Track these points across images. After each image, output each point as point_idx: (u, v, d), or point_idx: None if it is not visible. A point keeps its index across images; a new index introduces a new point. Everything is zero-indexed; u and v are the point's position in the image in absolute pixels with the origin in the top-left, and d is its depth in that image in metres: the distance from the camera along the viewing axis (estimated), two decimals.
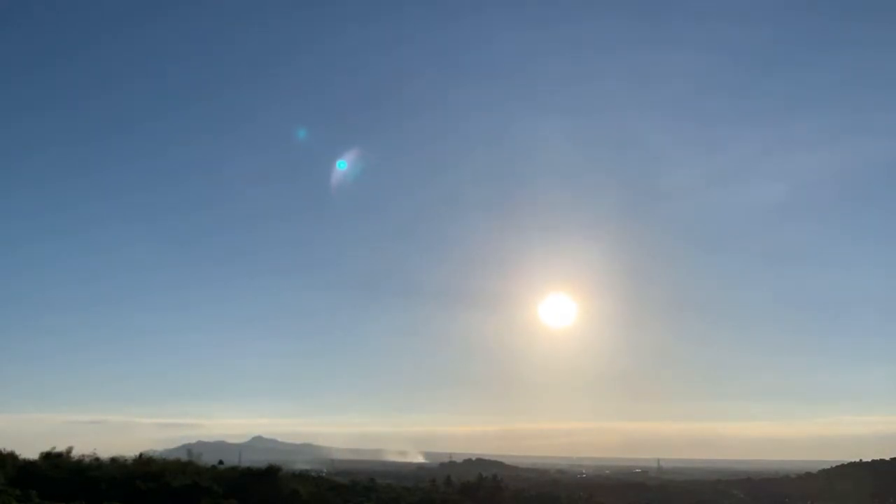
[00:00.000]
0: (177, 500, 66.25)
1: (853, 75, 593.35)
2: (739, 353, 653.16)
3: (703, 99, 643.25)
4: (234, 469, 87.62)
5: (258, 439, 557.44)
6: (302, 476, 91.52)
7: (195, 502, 65.70)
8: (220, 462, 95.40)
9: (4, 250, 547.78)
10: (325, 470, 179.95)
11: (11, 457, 70.70)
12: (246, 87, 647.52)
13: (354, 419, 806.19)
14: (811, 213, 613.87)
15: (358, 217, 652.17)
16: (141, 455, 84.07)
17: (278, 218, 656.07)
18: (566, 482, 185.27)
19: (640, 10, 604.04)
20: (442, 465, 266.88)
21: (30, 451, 74.74)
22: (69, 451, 75.34)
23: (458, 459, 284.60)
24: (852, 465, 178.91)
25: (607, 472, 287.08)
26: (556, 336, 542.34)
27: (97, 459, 75.22)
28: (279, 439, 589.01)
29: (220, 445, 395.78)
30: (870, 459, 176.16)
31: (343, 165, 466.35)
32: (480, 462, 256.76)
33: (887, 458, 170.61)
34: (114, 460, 76.60)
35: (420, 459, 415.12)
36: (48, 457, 74.11)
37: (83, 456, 75.20)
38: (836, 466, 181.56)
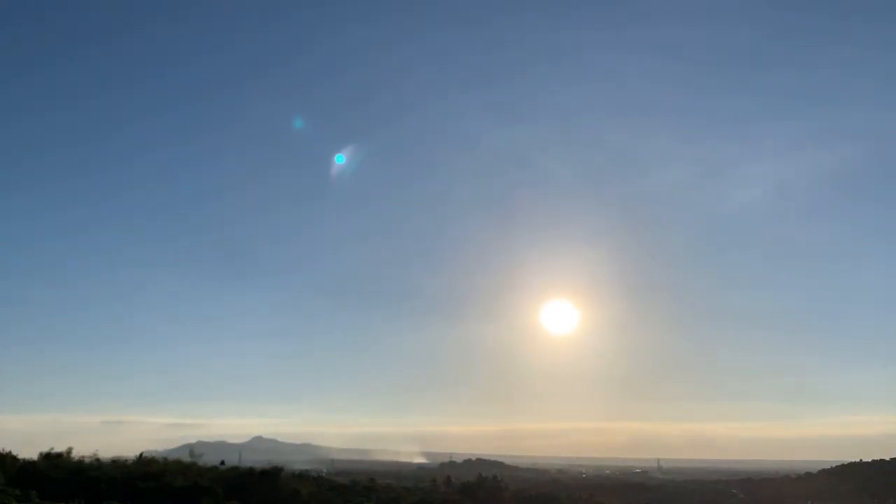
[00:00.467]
0: (177, 500, 66.22)
1: (828, 79, 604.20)
2: (739, 354, 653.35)
3: (681, 102, 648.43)
4: (234, 469, 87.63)
5: (258, 439, 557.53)
6: (302, 476, 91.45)
7: (196, 502, 65.68)
8: (221, 462, 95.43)
9: (5, 250, 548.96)
10: (325, 470, 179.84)
11: (11, 457, 70.69)
12: (244, 85, 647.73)
13: (354, 419, 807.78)
14: (801, 213, 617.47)
15: (359, 219, 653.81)
16: (141, 455, 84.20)
17: (278, 219, 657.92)
18: (566, 482, 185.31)
19: (621, 15, 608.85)
20: (442, 465, 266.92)
21: (29, 451, 74.91)
22: (69, 451, 75.48)
23: (458, 459, 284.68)
24: (852, 465, 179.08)
25: (607, 472, 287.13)
26: (555, 337, 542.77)
27: (97, 460, 75.32)
28: (279, 439, 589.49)
29: (220, 445, 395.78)
30: (870, 459, 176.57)
31: (341, 159, 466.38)
32: (480, 462, 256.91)
33: (887, 458, 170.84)
34: (114, 461, 76.69)
35: (420, 459, 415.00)
36: (48, 457, 74.16)
37: (83, 456, 75.35)
38: (836, 466, 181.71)
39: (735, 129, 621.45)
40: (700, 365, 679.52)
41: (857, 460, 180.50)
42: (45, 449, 75.42)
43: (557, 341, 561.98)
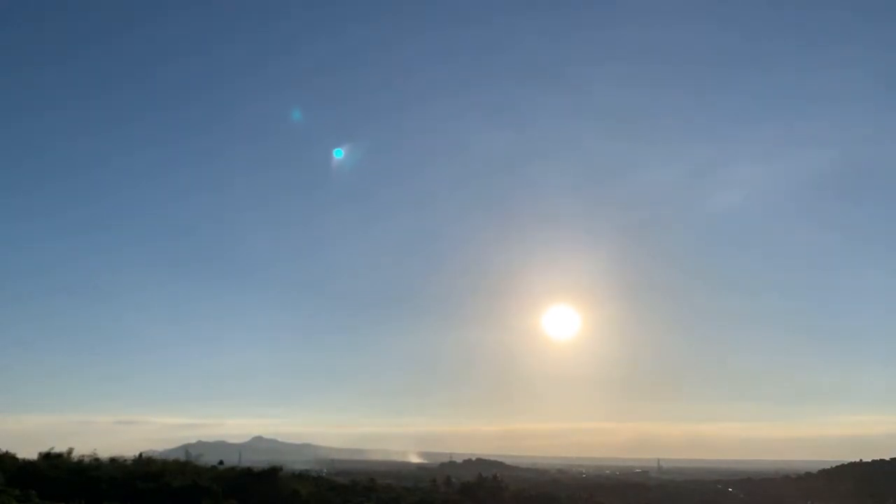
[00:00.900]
0: (177, 500, 66.17)
1: (800, 86, 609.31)
2: (739, 354, 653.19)
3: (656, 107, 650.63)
4: (233, 469, 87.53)
5: (258, 439, 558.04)
6: (302, 476, 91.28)
7: (195, 502, 65.61)
8: (220, 462, 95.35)
9: (5, 251, 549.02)
10: (325, 470, 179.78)
11: (11, 457, 70.63)
12: (240, 83, 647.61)
13: (354, 419, 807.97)
14: (790, 214, 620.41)
15: (359, 222, 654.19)
16: (141, 455, 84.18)
17: (279, 221, 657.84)
18: (566, 482, 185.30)
19: (598, 20, 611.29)
20: (442, 465, 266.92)
21: (29, 451, 74.87)
22: (69, 451, 75.40)
23: (458, 459, 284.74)
24: (852, 465, 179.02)
25: (607, 472, 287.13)
26: (556, 337, 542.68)
27: (97, 459, 75.20)
28: (279, 439, 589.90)
29: (220, 445, 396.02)
30: (870, 459, 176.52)
31: (340, 153, 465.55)
32: (480, 462, 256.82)
33: (887, 458, 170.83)
34: (113, 460, 76.59)
35: (420, 459, 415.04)
36: (48, 457, 74.07)
37: (83, 456, 75.25)
38: (836, 466, 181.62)
39: (715, 132, 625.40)
40: (700, 365, 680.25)
41: (857, 460, 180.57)
42: (45, 449, 75.54)
43: (558, 341, 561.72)
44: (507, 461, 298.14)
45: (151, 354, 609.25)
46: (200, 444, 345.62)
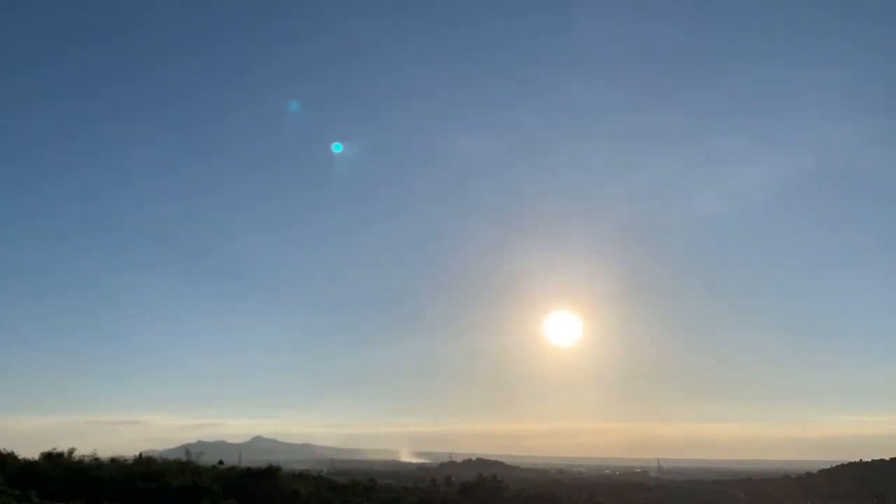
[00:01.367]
0: (177, 500, 66.23)
1: (775, 88, 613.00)
2: (739, 355, 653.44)
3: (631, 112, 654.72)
4: (233, 469, 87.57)
5: (258, 439, 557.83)
6: (302, 476, 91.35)
7: (195, 502, 65.69)
8: (220, 462, 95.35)
9: (7, 250, 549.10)
10: (325, 470, 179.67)
11: (11, 457, 70.70)
12: (235, 83, 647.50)
13: (354, 420, 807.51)
14: (797, 212, 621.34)
15: (360, 223, 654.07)
16: (141, 455, 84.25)
17: (279, 222, 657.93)
18: (566, 482, 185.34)
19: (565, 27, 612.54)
20: (442, 465, 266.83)
21: (30, 451, 74.90)
22: (70, 451, 75.47)
23: (458, 459, 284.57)
24: (852, 465, 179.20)
25: (607, 472, 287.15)
26: (556, 338, 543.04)
27: (97, 459, 75.28)
28: (279, 439, 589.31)
29: (220, 445, 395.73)
30: (870, 459, 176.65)
31: (338, 148, 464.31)
32: (480, 462, 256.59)
33: (887, 458, 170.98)
34: (114, 460, 76.67)
35: (420, 459, 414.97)
36: (48, 457, 74.14)
37: (83, 456, 75.31)
38: (836, 466, 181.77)
39: (696, 135, 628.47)
40: (699, 365, 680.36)
41: (857, 460, 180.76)
42: (46, 449, 75.60)
43: (559, 342, 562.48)
44: (507, 461, 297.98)
45: (152, 355, 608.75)
46: (200, 444, 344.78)
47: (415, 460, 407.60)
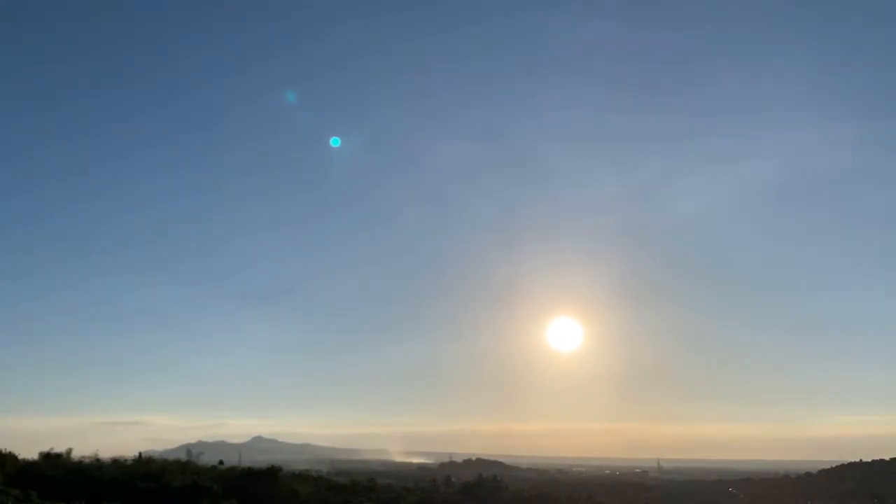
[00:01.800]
0: (177, 500, 66.21)
1: (742, 100, 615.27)
2: (738, 355, 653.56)
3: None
4: (234, 469, 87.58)
5: (258, 439, 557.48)
6: (302, 476, 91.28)
7: (195, 502, 65.65)
8: (220, 462, 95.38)
9: (7, 250, 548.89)
10: (325, 470, 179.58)
11: (11, 457, 70.65)
12: (231, 82, 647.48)
13: (354, 420, 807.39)
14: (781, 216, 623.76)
15: (360, 224, 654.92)
16: (141, 455, 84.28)
17: (278, 223, 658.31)
18: (566, 482, 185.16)
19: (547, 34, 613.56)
20: (442, 465, 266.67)
21: (30, 451, 74.90)
22: (69, 451, 75.56)
23: (458, 459, 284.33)
24: (852, 465, 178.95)
25: (607, 472, 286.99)
26: (555, 340, 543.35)
27: (97, 460, 75.38)
28: (279, 439, 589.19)
29: (220, 445, 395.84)
30: (870, 459, 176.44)
31: (336, 142, 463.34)
32: (480, 462, 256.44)
33: (887, 458, 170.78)
34: (114, 460, 76.72)
35: (420, 459, 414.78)
36: (48, 457, 74.20)
37: (83, 456, 75.39)
38: (836, 466, 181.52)
39: (679, 138, 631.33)
40: (699, 366, 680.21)
41: (857, 460, 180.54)
42: (46, 449, 75.62)
43: (559, 343, 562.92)
44: (507, 461, 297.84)
45: (152, 355, 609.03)
46: (201, 444, 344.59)
47: (415, 460, 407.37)
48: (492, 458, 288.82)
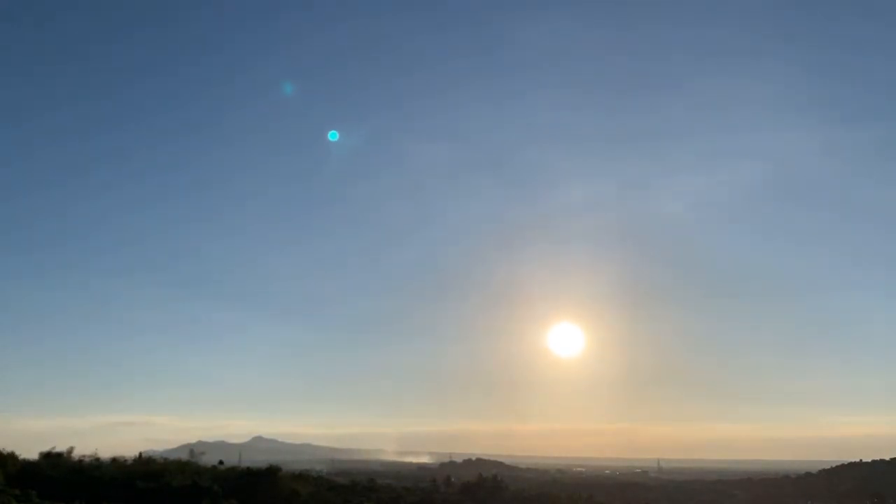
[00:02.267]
0: (177, 500, 66.21)
1: (728, 101, 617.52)
2: (739, 355, 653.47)
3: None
4: (234, 469, 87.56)
5: (258, 439, 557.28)
6: (302, 476, 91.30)
7: (195, 502, 65.66)
8: (221, 462, 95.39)
9: (8, 250, 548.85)
10: (325, 470, 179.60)
11: (12, 457, 70.65)
12: (228, 82, 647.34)
13: (354, 420, 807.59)
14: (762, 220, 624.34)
15: (361, 225, 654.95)
16: (141, 455, 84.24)
17: (278, 223, 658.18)
18: (566, 482, 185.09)
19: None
20: (442, 465, 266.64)
21: (30, 451, 74.90)
22: (69, 451, 75.51)
23: (458, 459, 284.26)
24: (852, 465, 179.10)
25: (607, 472, 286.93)
26: (556, 339, 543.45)
27: (97, 459, 75.34)
28: (279, 439, 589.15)
29: (220, 445, 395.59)
30: (870, 459, 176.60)
31: (335, 136, 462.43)
32: (480, 462, 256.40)
33: (887, 458, 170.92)
34: (114, 460, 76.68)
35: (420, 459, 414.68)
36: (48, 457, 74.18)
37: (83, 456, 75.34)
38: (836, 466, 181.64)
39: (648, 146, 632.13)
40: (699, 366, 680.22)
41: (857, 460, 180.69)
42: (46, 449, 75.61)
43: (560, 343, 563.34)
44: (507, 461, 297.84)
45: (152, 355, 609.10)
46: (201, 444, 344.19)
47: (415, 460, 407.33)
48: (492, 458, 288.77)
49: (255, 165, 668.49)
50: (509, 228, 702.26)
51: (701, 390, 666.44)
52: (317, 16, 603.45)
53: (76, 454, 75.41)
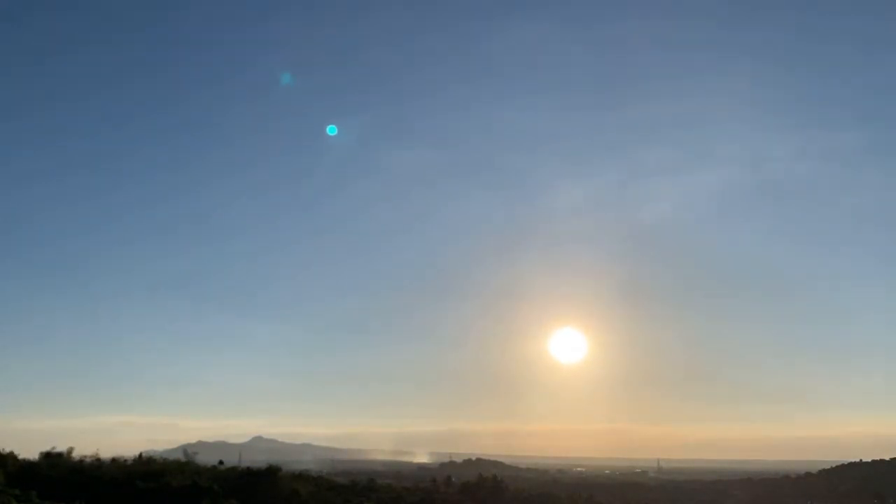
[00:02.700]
0: (177, 500, 66.18)
1: (702, 107, 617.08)
2: (738, 355, 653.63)
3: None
4: (234, 469, 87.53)
5: (258, 439, 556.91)
6: (302, 476, 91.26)
7: (195, 502, 65.64)
8: (220, 462, 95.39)
9: (8, 251, 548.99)
10: (325, 470, 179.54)
11: (11, 457, 70.65)
12: (227, 81, 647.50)
13: (354, 420, 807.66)
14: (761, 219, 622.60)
15: (362, 225, 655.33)
16: (141, 455, 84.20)
17: (277, 223, 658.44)
18: (566, 482, 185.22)
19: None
20: (442, 465, 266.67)
21: (30, 451, 74.87)
22: (69, 451, 75.44)
23: (458, 459, 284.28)
24: (852, 465, 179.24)
25: (607, 472, 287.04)
26: (556, 339, 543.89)
27: (97, 459, 75.26)
28: (279, 439, 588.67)
29: (220, 445, 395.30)
30: (870, 459, 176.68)
31: (333, 131, 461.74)
32: (480, 462, 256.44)
33: (887, 458, 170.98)
34: (114, 460, 76.65)
35: (420, 459, 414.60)
36: (48, 457, 74.13)
37: (83, 456, 75.29)
38: (836, 466, 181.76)
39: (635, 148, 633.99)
40: (699, 366, 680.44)
41: (857, 460, 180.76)
42: (46, 449, 75.56)
43: (560, 344, 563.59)
44: (507, 461, 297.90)
45: (152, 355, 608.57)
46: (201, 444, 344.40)
47: (415, 460, 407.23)
48: (492, 458, 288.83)
49: (254, 165, 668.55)
50: (506, 230, 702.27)
51: (700, 390, 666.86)
52: (295, 22, 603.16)
53: (76, 454, 75.39)
